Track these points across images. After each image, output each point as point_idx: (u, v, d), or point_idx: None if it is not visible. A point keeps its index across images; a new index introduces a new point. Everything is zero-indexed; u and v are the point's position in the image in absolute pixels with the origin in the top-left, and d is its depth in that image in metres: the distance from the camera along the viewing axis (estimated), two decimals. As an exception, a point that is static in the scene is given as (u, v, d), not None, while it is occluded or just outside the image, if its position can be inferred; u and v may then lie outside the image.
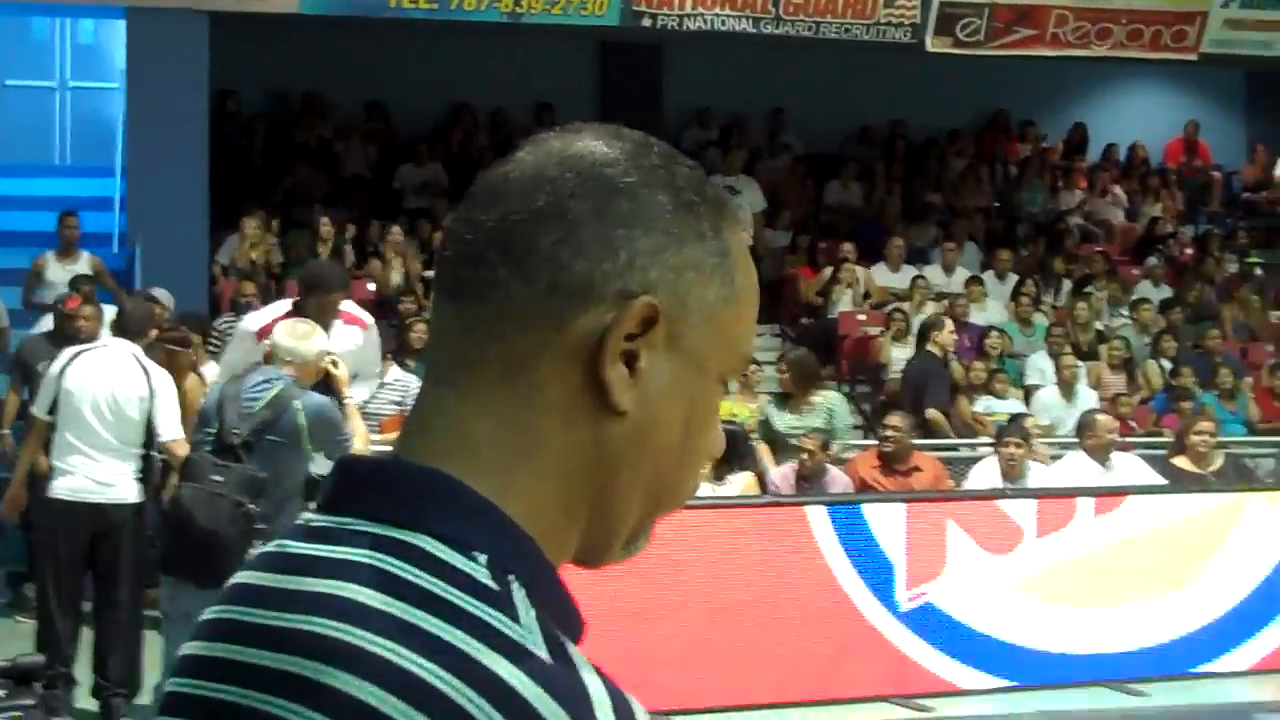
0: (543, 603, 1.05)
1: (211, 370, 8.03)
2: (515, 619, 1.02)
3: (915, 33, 13.69)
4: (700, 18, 13.46)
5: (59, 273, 11.21)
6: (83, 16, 15.81)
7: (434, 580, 1.03)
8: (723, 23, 13.52)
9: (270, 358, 6.19)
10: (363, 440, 6.46)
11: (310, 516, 1.12)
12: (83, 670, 7.21)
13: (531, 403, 1.09)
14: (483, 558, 1.05)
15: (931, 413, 11.27)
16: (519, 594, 1.04)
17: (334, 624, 1.03)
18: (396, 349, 10.79)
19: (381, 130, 15.43)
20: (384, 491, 1.08)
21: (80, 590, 7.15)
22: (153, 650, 6.95)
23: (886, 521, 8.26)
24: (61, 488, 6.92)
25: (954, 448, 10.86)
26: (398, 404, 9.89)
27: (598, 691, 1.02)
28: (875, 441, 10.41)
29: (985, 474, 9.74)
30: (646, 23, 13.45)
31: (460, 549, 1.04)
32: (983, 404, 11.59)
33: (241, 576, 1.14)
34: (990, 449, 10.06)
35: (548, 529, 1.10)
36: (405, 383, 10.16)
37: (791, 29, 13.65)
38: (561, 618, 1.07)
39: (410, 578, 1.03)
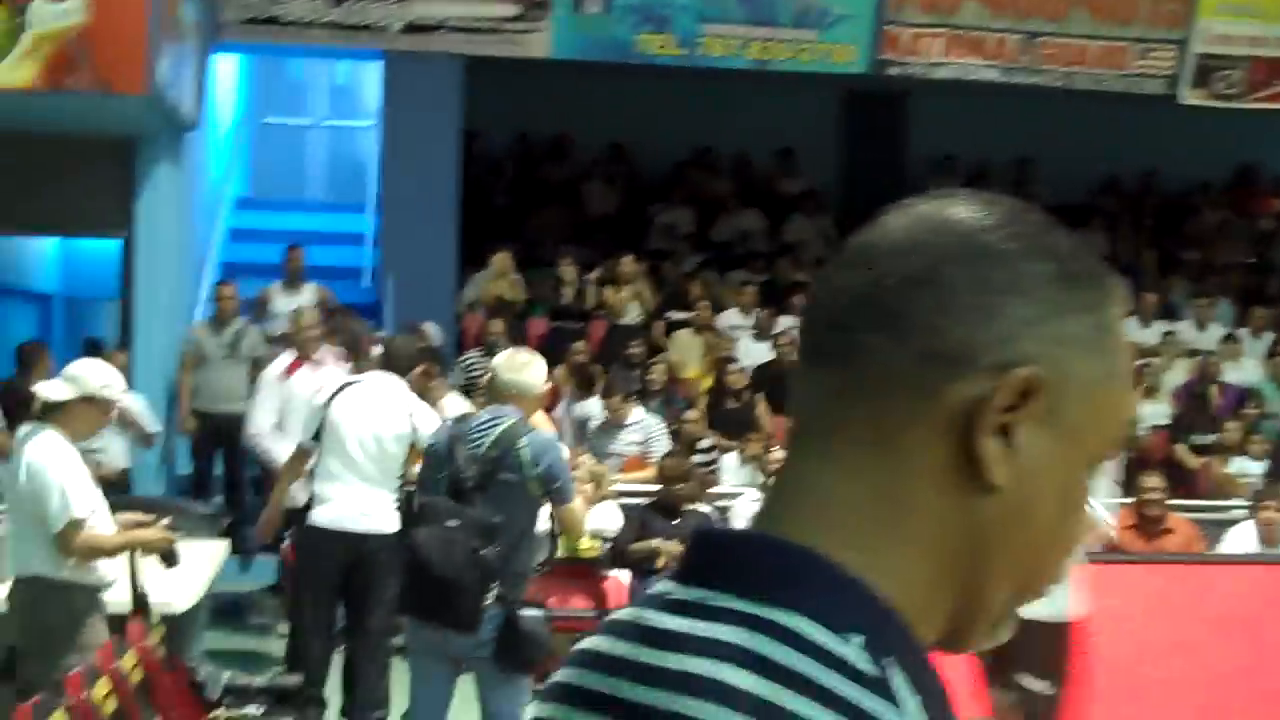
0: (919, 687, 1.00)
1: (453, 404, 8.14)
2: (894, 704, 0.98)
3: (1171, 84, 13.41)
4: (949, 66, 13.34)
5: (283, 303, 11.47)
6: (342, 58, 16.26)
7: (810, 662, 0.98)
8: (972, 71, 13.39)
9: (495, 393, 6.10)
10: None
11: (668, 587, 1.07)
12: (331, 692, 7.35)
13: (900, 472, 1.06)
14: (857, 639, 1.00)
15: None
16: (897, 678, 0.99)
17: (704, 704, 0.97)
18: (640, 390, 10.86)
19: (624, 172, 15.57)
20: (752, 566, 1.04)
21: (333, 615, 7.30)
22: (400, 676, 7.06)
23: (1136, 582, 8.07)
24: (322, 516, 7.06)
25: (1211, 509, 10.55)
26: (640, 444, 9.93)
27: None
28: (1127, 500, 10.16)
29: (1241, 538, 9.45)
30: (894, 71, 13.37)
31: (834, 630, 1.00)
32: (1236, 465, 11.25)
33: (594, 643, 1.08)
34: (1245, 511, 9.76)
35: (918, 607, 1.06)
36: (647, 425, 10.20)
37: (1043, 79, 13.47)
38: (934, 703, 1.02)
39: (782, 659, 0.98)
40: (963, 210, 1.10)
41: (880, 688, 0.98)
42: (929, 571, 1.07)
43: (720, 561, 1.06)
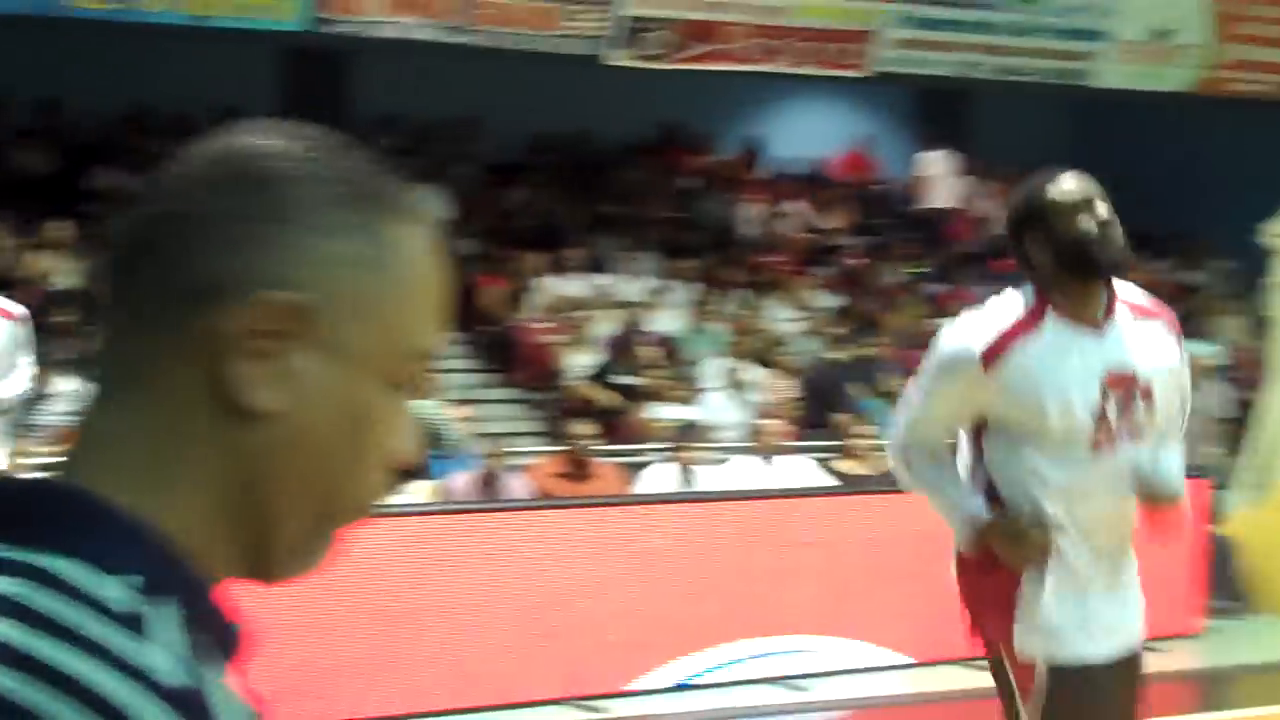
0: (192, 622, 1.00)
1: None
2: (147, 640, 0.97)
3: (597, 46, 13.99)
4: (389, 25, 13.52)
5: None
6: None
7: (68, 606, 0.96)
8: (411, 30, 13.60)
9: None
10: None
11: None
12: None
13: (171, 407, 1.05)
14: (131, 579, 0.98)
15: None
16: (157, 614, 0.98)
17: None
18: (75, 360, 10.60)
19: (59, 132, 15.07)
20: (26, 513, 1.01)
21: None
22: None
23: (565, 527, 8.52)
24: None
25: (633, 453, 11.17)
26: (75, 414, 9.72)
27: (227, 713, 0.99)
28: (556, 449, 10.66)
29: (660, 478, 10.10)
30: (333, 29, 13.45)
31: (108, 572, 0.98)
32: (659, 410, 11.95)
33: None
34: (665, 454, 10.43)
35: (203, 541, 1.05)
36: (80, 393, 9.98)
37: (479, 39, 13.80)
38: (215, 635, 1.03)
39: (42, 606, 0.96)
40: (248, 140, 1.09)
41: (133, 624, 0.97)
42: (210, 505, 1.05)
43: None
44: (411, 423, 1.13)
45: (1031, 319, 3.84)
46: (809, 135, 18.79)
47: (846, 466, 10.69)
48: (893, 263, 16.07)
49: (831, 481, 10.38)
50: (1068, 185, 3.99)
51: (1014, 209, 4.02)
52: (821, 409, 11.92)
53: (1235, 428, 12.80)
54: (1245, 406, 12.74)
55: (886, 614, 9.20)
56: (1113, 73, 14.89)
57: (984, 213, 18.09)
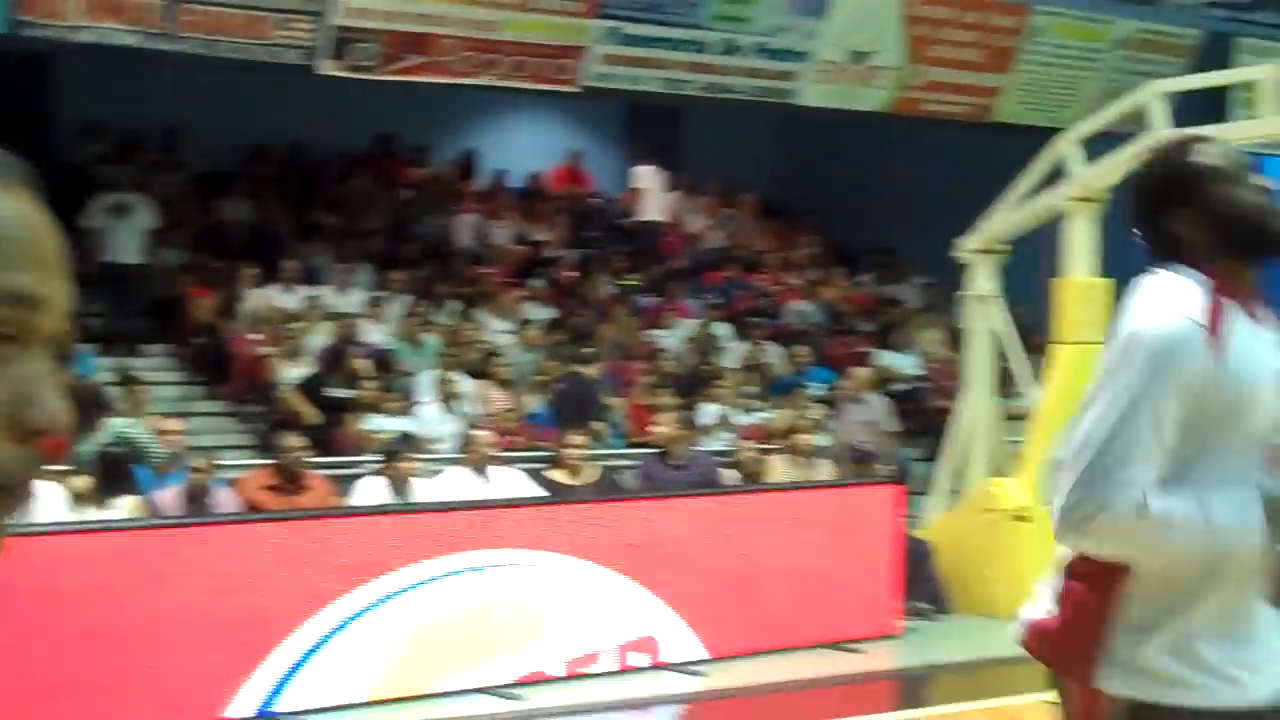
0: None
1: None
2: None
3: (309, 55, 13.85)
4: (87, 29, 13.16)
5: None
6: None
7: None
8: (112, 36, 13.27)
9: None
10: None
11: None
12: None
13: None
14: None
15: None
16: None
17: None
18: None
19: None
20: None
21: None
22: None
23: (274, 541, 8.44)
24: None
25: (346, 465, 11.11)
26: None
27: None
28: (267, 461, 10.54)
29: (372, 490, 10.08)
30: (32, 32, 13.04)
31: None
32: (372, 422, 11.91)
33: None
34: (378, 465, 10.41)
35: None
36: None
37: (185, 46, 13.53)
38: None
39: None
40: None
41: None
42: None
43: None
44: (43, 385, 1.09)
45: (1216, 303, 2.99)
46: (524, 149, 18.93)
47: (558, 476, 10.80)
48: (605, 275, 16.28)
49: (541, 492, 10.48)
50: (1218, 150, 3.17)
51: (1151, 181, 3.20)
52: (577, 419, 12.01)
53: (934, 435, 13.32)
54: (943, 415, 13.27)
55: (589, 623, 9.35)
56: (814, 92, 15.34)
57: (694, 227, 18.48)
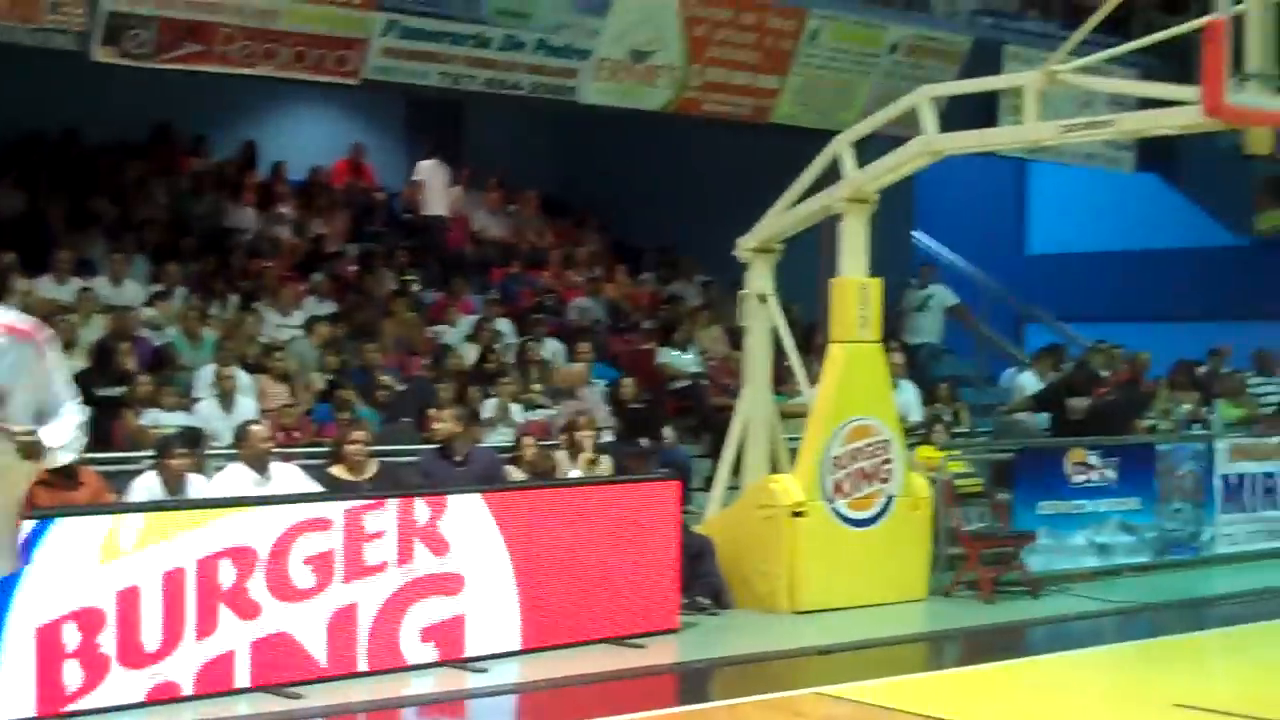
0: None
1: None
2: None
3: (82, 41, 13.51)
4: None
5: None
6: None
7: None
8: None
9: None
10: None
11: None
12: None
13: None
14: None
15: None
16: None
17: None
18: None
19: None
20: None
21: None
22: None
23: (48, 536, 8.25)
24: None
25: (121, 460, 10.88)
26: None
27: None
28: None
29: (147, 487, 9.89)
30: None
31: None
32: (149, 417, 11.67)
33: None
34: (154, 461, 10.21)
35: None
36: None
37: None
38: None
39: None
40: None
41: None
42: None
43: None
44: None
45: None
46: (305, 141, 18.71)
47: (339, 472, 10.72)
48: (387, 270, 16.17)
49: (318, 488, 10.39)
50: None
51: None
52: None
53: (714, 432, 13.51)
54: (722, 412, 13.47)
55: (372, 620, 9.32)
56: (595, 90, 15.44)
57: (477, 223, 18.45)
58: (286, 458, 10.76)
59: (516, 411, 13.48)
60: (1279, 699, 9.16)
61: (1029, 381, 16.58)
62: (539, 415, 13.59)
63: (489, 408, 13.31)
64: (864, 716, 8.83)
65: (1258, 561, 14.80)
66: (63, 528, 8.36)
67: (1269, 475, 15.05)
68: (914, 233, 20.11)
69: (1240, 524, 14.87)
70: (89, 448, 9.49)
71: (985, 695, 9.56)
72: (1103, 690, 9.54)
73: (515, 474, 11.71)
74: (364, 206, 18.07)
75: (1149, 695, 9.27)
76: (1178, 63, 14.68)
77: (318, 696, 8.78)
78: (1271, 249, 20.46)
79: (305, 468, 10.67)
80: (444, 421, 11.93)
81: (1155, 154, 19.42)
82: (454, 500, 9.89)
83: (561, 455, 12.22)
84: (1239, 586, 13.32)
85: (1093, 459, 13.85)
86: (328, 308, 14.82)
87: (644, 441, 13.45)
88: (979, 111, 15.23)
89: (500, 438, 12.86)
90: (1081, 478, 13.85)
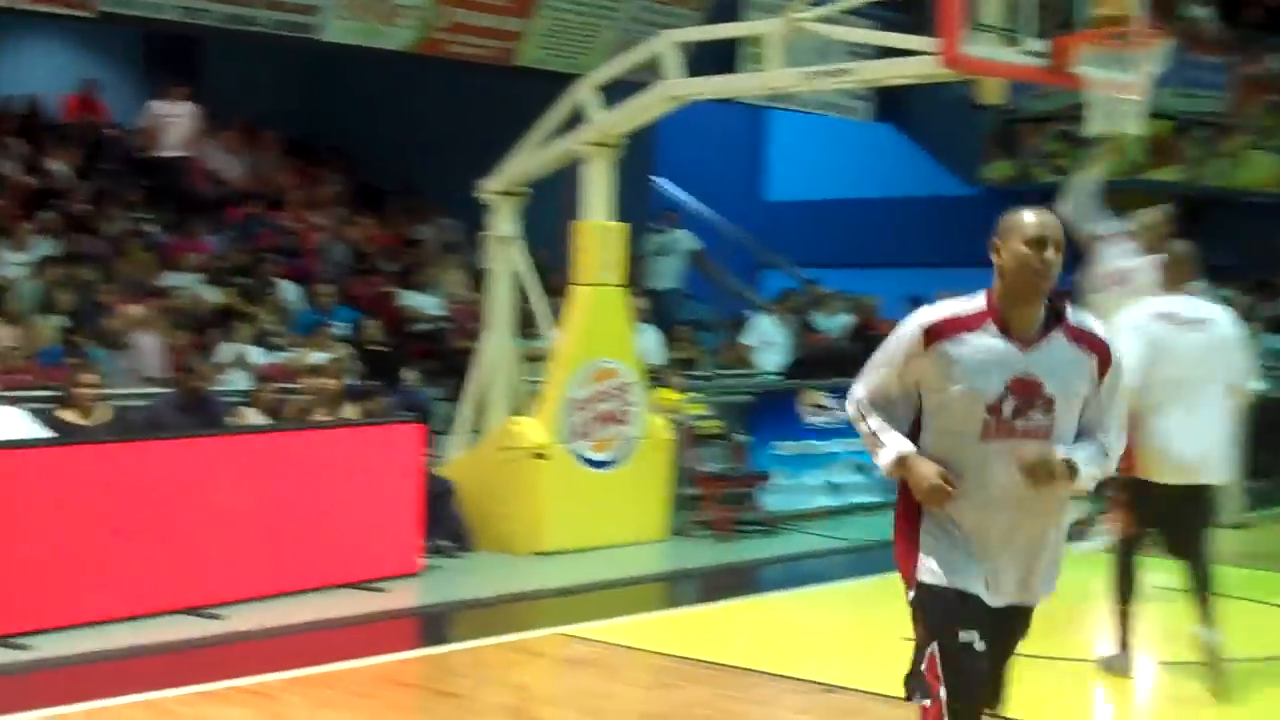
0: None
1: None
2: None
3: None
4: None
5: None
6: None
7: None
8: None
9: None
10: None
11: None
12: None
13: None
14: None
15: None
16: None
17: None
18: None
19: None
20: None
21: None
22: None
23: None
24: None
25: None
26: None
27: None
28: None
29: None
30: None
31: None
32: None
33: None
34: None
35: None
36: None
37: None
38: None
39: None
40: None
41: None
42: None
43: None
44: None
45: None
46: (35, 74, 18.03)
47: (68, 416, 10.42)
48: (120, 210, 15.71)
49: (48, 433, 10.09)
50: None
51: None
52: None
53: (456, 375, 13.48)
54: (464, 355, 13.45)
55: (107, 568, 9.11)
56: (338, 28, 15.20)
57: (216, 162, 18.03)
58: (13, 401, 10.42)
59: (255, 354, 13.26)
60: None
61: (766, 326, 16.89)
62: (278, 358, 13.39)
63: (225, 351, 13.06)
64: (604, 655, 8.94)
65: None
66: None
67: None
68: (656, 178, 20.28)
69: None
70: None
71: (722, 632, 9.76)
72: (835, 625, 9.81)
73: (253, 417, 11.53)
74: (97, 143, 17.50)
75: (880, 630, 9.53)
76: (916, 13, 15.06)
77: (47, 646, 8.55)
78: (1000, 198, 21.11)
79: (34, 411, 10.34)
80: (179, 364, 11.67)
81: (890, 104, 19.91)
82: (188, 444, 9.70)
83: (302, 399, 12.07)
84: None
85: (826, 401, 14.20)
86: (58, 247, 14.35)
87: (385, 384, 13.36)
88: (721, 58, 15.41)
89: (238, 381, 12.64)
90: (815, 419, 14.20)
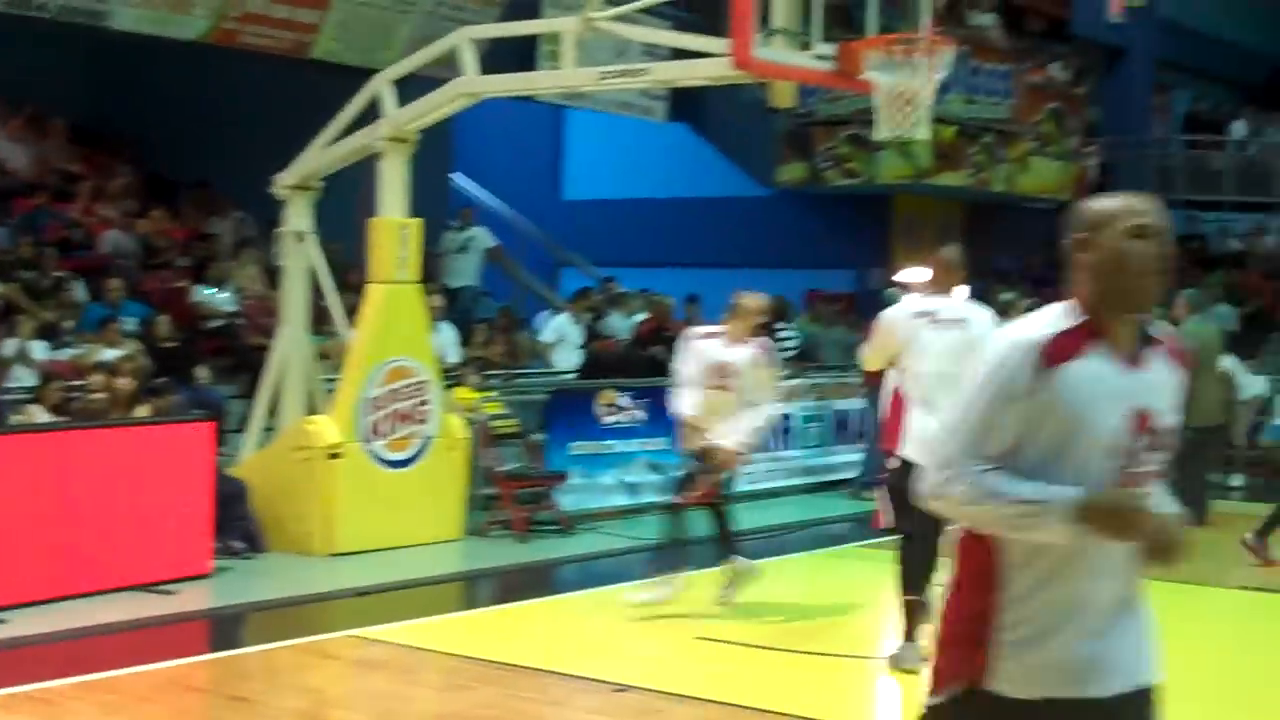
0: None
1: None
2: None
3: None
4: None
5: None
6: None
7: None
8: None
9: None
10: None
11: None
12: None
13: None
14: None
15: None
16: None
17: None
18: None
19: None
20: None
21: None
22: None
23: None
24: None
25: None
26: None
27: None
28: None
29: None
30: None
31: None
32: None
33: None
34: None
35: None
36: None
37: None
38: None
39: None
40: None
41: None
42: None
43: None
44: None
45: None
46: None
47: None
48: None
49: None
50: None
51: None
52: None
53: (250, 373, 13.30)
54: (258, 352, 13.27)
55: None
56: (128, 16, 14.84)
57: (0, 152, 17.51)
58: None
59: (39, 350, 12.92)
60: (788, 629, 9.72)
61: (564, 325, 16.94)
62: (65, 354, 13.06)
63: (7, 346, 12.71)
64: (398, 657, 8.90)
65: (776, 499, 15.61)
66: None
67: (785, 417, 15.85)
68: (453, 175, 20.20)
69: (760, 462, 15.61)
70: None
71: (517, 633, 9.78)
72: (629, 626, 9.90)
73: (39, 415, 11.24)
74: None
75: (673, 628, 9.66)
76: (710, 15, 15.22)
77: None
78: (792, 200, 21.48)
79: None
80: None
81: (686, 105, 20.07)
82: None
83: (93, 398, 11.79)
84: (758, 523, 13.96)
85: (622, 400, 14.29)
86: None
87: (176, 382, 13.11)
88: (519, 56, 15.43)
89: (23, 378, 12.30)
90: (611, 419, 14.29)
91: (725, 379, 9.74)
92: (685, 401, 9.84)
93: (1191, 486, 13.71)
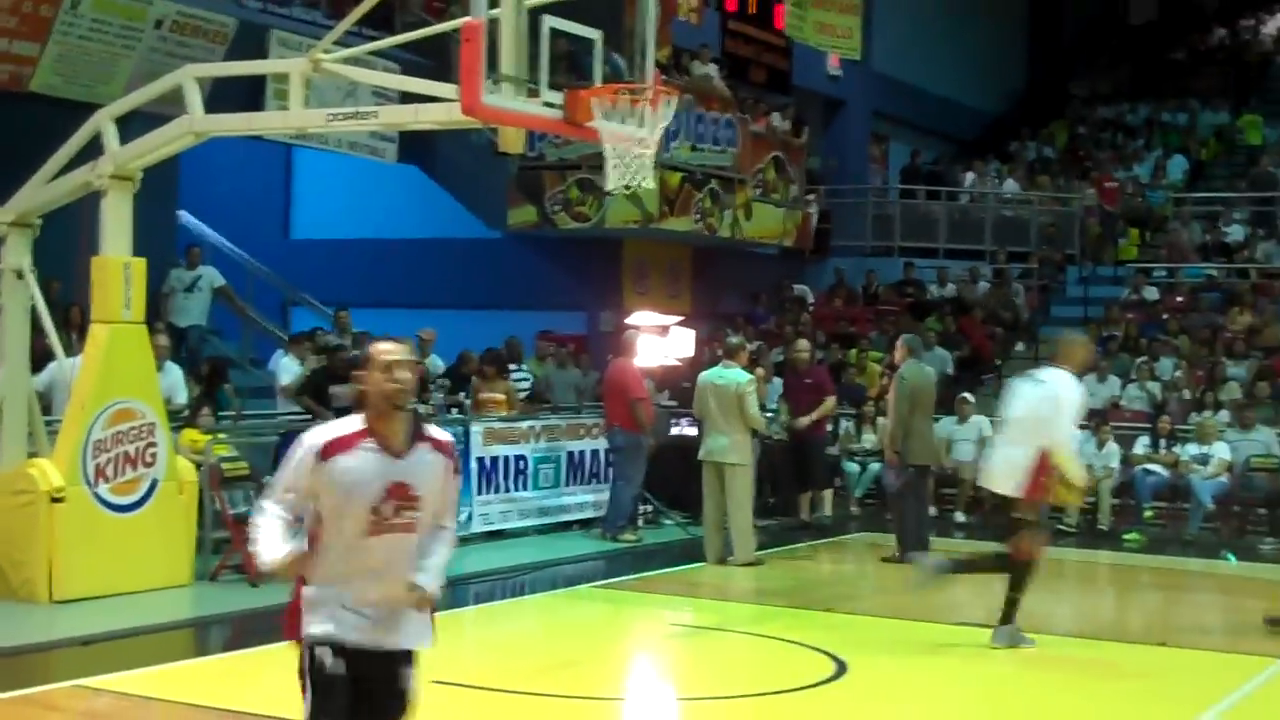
0: None
1: None
2: None
3: None
4: None
5: None
6: None
7: None
8: None
9: None
10: None
11: None
12: None
13: None
14: None
15: None
16: None
17: None
18: None
19: None
20: None
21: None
22: None
23: None
24: None
25: None
26: None
27: None
28: None
29: None
30: None
31: None
32: None
33: None
34: None
35: None
36: None
37: None
38: None
39: None
40: None
41: None
42: None
43: None
44: None
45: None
46: None
47: None
48: None
49: None
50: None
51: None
52: None
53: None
54: None
55: None
56: None
57: None
58: None
59: None
60: (521, 670, 9.74)
61: (289, 365, 16.73)
62: None
63: None
64: (125, 708, 8.67)
65: (510, 540, 15.64)
66: None
67: (520, 458, 15.91)
68: (180, 213, 19.81)
69: (495, 504, 15.64)
70: None
71: (250, 679, 9.58)
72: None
73: None
74: None
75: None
76: (439, 60, 15.25)
77: None
78: (521, 243, 21.58)
79: None
80: None
81: (416, 147, 20.04)
82: None
83: None
84: (493, 564, 14.01)
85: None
86: None
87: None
88: (247, 94, 15.25)
89: None
90: (347, 460, 14.11)
91: None
92: None
93: (909, 520, 14.23)
